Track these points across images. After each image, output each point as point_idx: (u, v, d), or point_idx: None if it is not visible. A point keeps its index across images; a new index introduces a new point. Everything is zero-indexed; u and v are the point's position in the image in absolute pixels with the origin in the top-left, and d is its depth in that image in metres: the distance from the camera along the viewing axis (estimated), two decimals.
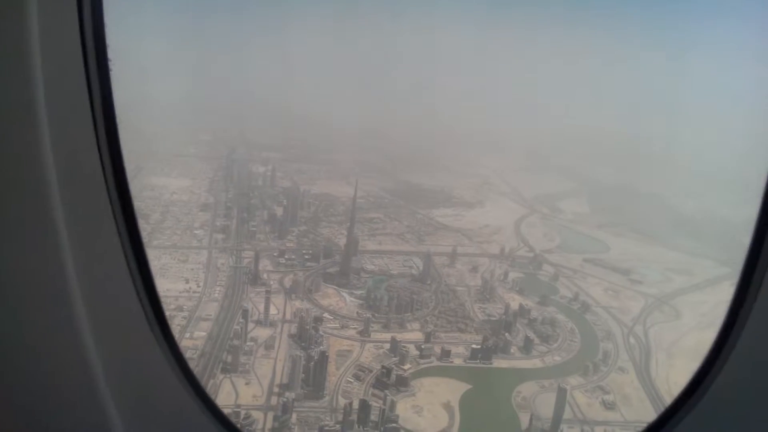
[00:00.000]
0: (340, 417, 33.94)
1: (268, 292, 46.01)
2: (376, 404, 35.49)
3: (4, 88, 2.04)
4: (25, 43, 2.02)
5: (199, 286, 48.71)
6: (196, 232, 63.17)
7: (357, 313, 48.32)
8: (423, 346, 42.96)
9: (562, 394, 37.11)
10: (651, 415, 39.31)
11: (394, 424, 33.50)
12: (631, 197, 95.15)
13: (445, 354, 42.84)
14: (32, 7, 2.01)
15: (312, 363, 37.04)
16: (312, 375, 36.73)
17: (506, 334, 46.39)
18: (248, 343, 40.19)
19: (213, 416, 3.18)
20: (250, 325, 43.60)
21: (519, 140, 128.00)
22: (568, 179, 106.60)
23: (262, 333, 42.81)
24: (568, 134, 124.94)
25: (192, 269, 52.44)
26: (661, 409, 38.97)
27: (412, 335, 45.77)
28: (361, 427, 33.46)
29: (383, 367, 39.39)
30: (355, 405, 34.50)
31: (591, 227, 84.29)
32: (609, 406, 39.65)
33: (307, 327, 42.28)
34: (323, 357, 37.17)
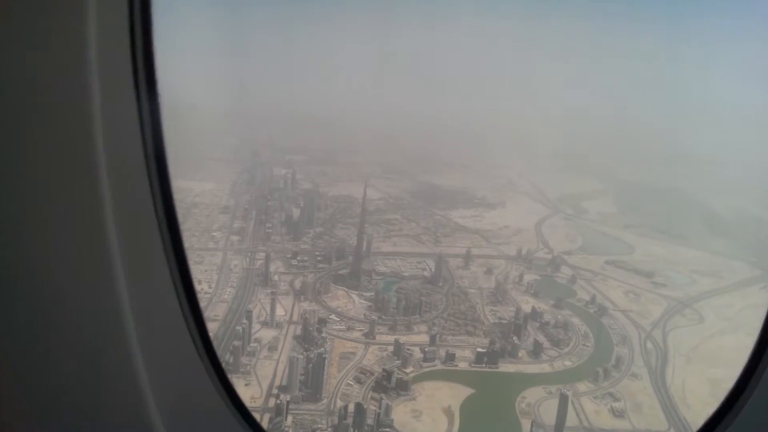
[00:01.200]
0: (336, 420, 33.88)
1: (274, 293, 46.39)
2: (373, 408, 35.32)
3: (59, 88, 2.11)
4: (81, 44, 2.08)
5: (210, 287, 49.58)
6: (213, 234, 64.41)
7: (364, 315, 48.31)
8: (427, 349, 42.54)
9: (563, 400, 36.14)
10: (662, 424, 37.99)
11: (387, 429, 33.25)
12: (660, 197, 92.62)
13: (450, 357, 42.34)
14: (91, 11, 2.07)
15: (311, 365, 37.14)
16: (311, 377, 36.86)
17: (515, 337, 45.51)
18: (252, 345, 40.66)
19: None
20: (256, 327, 44.13)
21: (546, 141, 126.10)
22: (595, 179, 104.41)
23: (267, 334, 43.25)
24: (597, 134, 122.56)
25: (206, 270, 53.43)
26: (673, 416, 37.61)
27: (418, 338, 45.46)
28: (355, 431, 33.35)
29: (384, 370, 39.20)
30: (351, 408, 34.43)
31: (616, 228, 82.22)
32: (618, 413, 38.42)
33: (311, 329, 42.43)
34: (321, 359, 37.22)
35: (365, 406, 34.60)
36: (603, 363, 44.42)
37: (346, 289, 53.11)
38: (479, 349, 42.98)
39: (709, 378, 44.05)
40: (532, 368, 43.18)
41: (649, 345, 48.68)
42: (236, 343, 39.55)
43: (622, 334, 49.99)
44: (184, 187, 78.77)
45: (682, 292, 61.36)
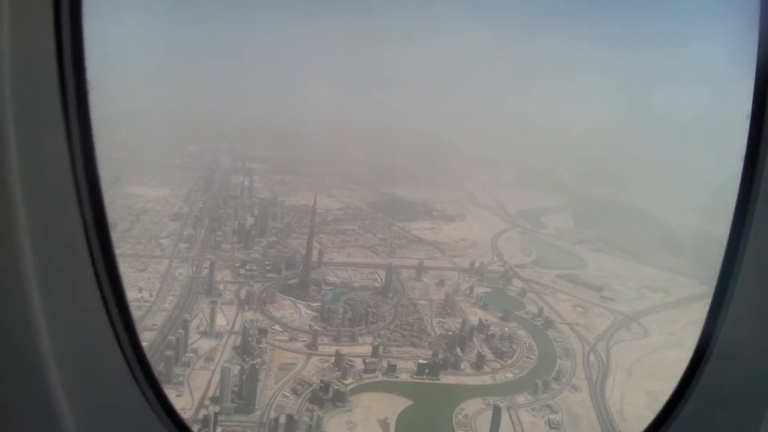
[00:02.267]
0: None
1: (213, 303, 45.28)
2: (307, 419, 34.55)
3: None
4: None
5: (151, 296, 48.15)
6: (161, 241, 62.78)
7: (309, 325, 47.56)
8: (368, 361, 42.03)
9: (496, 412, 36.03)
10: None
11: None
12: (619, 214, 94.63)
13: (391, 369, 41.88)
14: (4, 9, 1.97)
15: (245, 376, 36.19)
16: (244, 388, 35.90)
17: (458, 349, 45.38)
18: (188, 354, 39.45)
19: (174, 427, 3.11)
20: (195, 336, 42.93)
21: (512, 156, 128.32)
22: (557, 195, 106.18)
23: (206, 344, 42.09)
24: (562, 151, 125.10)
25: (148, 278, 51.93)
26: (609, 429, 37.87)
27: (362, 349, 44.91)
28: None
29: (321, 381, 38.48)
30: (282, 420, 33.60)
31: (572, 243, 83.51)
32: (554, 425, 38.49)
33: (250, 339, 41.48)
34: (255, 370, 36.32)
35: (296, 418, 33.80)
36: (544, 375, 44.59)
37: (293, 299, 52.30)
38: (421, 361, 42.63)
39: (648, 391, 44.59)
40: (474, 380, 43.05)
41: (592, 358, 49.16)
42: (170, 353, 38.28)
43: (567, 347, 50.39)
44: (135, 192, 77.01)
45: (630, 306, 62.41)
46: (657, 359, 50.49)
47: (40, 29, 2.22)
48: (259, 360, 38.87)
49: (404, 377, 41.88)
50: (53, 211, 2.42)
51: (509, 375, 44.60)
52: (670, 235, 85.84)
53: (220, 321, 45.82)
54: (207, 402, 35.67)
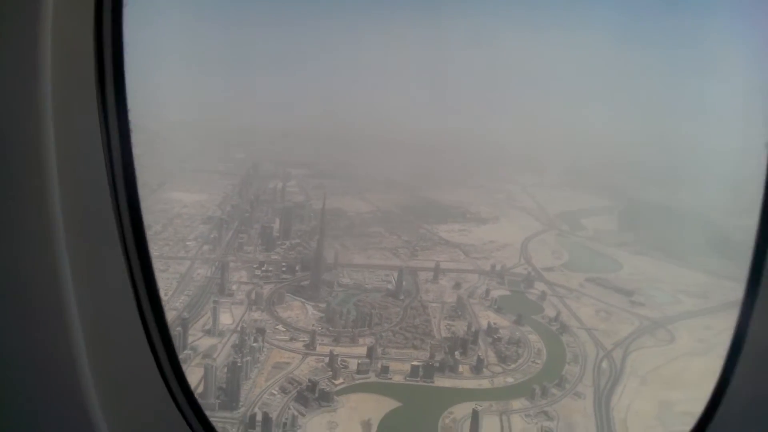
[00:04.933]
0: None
1: (216, 302, 46.95)
2: (290, 417, 35.17)
3: (12, 90, 2.04)
4: (36, 47, 2.00)
5: (165, 295, 50.45)
6: (188, 243, 65.70)
7: (312, 326, 48.30)
8: (361, 362, 42.16)
9: (475, 416, 35.10)
10: None
11: None
12: (669, 216, 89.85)
13: (384, 370, 41.79)
14: (47, 10, 2.00)
15: (232, 374, 37.34)
16: (232, 385, 37.04)
17: (457, 352, 44.60)
18: (186, 351, 41.13)
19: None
20: (199, 335, 44.68)
21: (560, 157, 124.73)
22: (604, 197, 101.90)
23: (207, 342, 43.71)
24: (614, 151, 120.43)
25: (167, 278, 54.46)
26: None
27: (361, 350, 45.05)
28: None
29: (309, 380, 39.01)
30: (259, 418, 34.41)
31: (610, 245, 79.90)
32: None
33: (246, 339, 42.73)
34: (236, 368, 37.36)
35: (271, 416, 34.48)
36: (547, 381, 43.00)
37: (302, 300, 53.28)
38: (414, 363, 42.25)
39: (661, 401, 42.12)
40: (470, 383, 42.17)
41: (604, 365, 46.88)
42: None
43: (579, 352, 48.32)
44: (174, 198, 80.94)
45: (660, 312, 59.02)
46: (679, 367, 47.51)
47: (82, 32, 2.23)
48: (249, 358, 39.87)
49: (397, 379, 41.66)
50: (91, 214, 2.43)
51: (509, 379, 43.34)
52: (722, 238, 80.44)
53: (227, 320, 47.41)
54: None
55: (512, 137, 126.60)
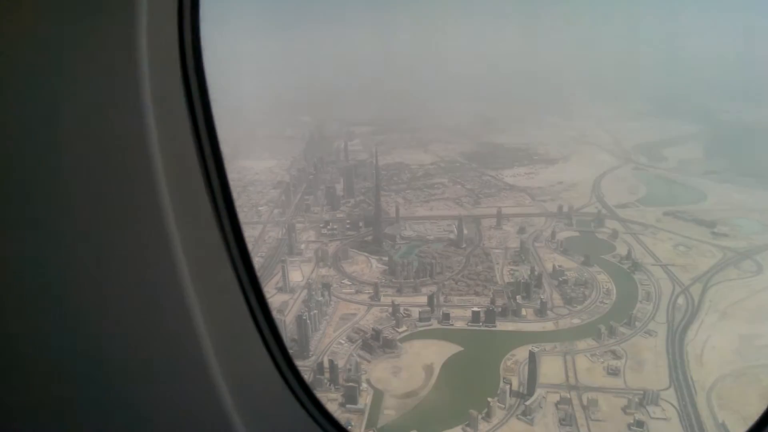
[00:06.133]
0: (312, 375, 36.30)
1: (283, 261, 49.52)
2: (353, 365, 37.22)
3: (111, 86, 2.12)
4: (132, 41, 2.09)
5: None
6: (260, 209, 69.08)
7: (377, 278, 49.89)
8: (422, 310, 43.27)
9: (533, 358, 35.12)
10: (660, 383, 35.62)
11: (352, 383, 34.95)
12: (762, 137, 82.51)
13: (446, 317, 42.67)
14: (142, 12, 2.11)
15: (303, 326, 39.75)
16: (302, 336, 39.53)
17: (519, 297, 44.48)
18: None
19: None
20: (272, 292, 47.61)
21: (641, 84, 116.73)
22: (690, 123, 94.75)
23: (279, 299, 46.55)
24: (704, 74, 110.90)
25: None
26: (677, 375, 35.10)
27: (423, 299, 46.08)
28: (332, 385, 35.60)
29: (373, 329, 40.72)
30: (326, 364, 36.67)
31: (694, 175, 74.94)
32: (612, 371, 36.51)
33: (314, 294, 45.05)
34: (302, 321, 39.62)
35: (336, 363, 36.59)
36: (616, 320, 42.05)
37: (367, 255, 54.91)
38: (475, 309, 42.71)
39: (741, 334, 40.04)
40: (534, 327, 42.10)
41: (680, 301, 44.92)
42: None
43: (652, 290, 46.53)
44: (246, 166, 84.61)
45: (747, 242, 55.06)
46: (764, 300, 44.58)
47: (167, 27, 2.33)
48: (316, 311, 42.12)
49: (459, 325, 42.44)
50: (192, 209, 2.45)
51: (575, 321, 42.78)
52: None
53: (297, 277, 50.05)
54: None
55: (588, 65, 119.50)
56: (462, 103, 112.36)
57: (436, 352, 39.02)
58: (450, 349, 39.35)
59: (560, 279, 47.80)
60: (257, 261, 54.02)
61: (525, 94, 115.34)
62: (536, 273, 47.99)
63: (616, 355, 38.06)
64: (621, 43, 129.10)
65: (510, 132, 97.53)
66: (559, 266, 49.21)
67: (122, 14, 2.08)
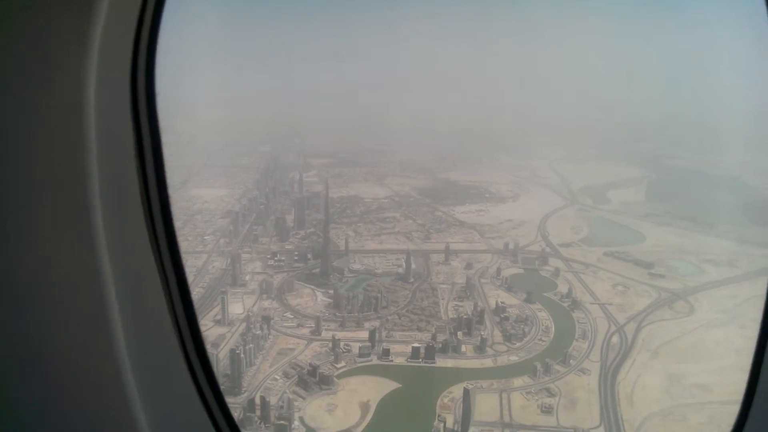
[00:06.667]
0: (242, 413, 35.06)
1: (223, 293, 48.35)
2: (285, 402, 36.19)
3: (53, 87, 2.04)
4: (84, 40, 2.02)
5: None
6: (206, 237, 67.63)
7: (321, 312, 49.20)
8: (363, 345, 42.78)
9: (467, 395, 35.12)
10: (592, 421, 36.04)
11: (283, 422, 33.97)
12: (704, 183, 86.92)
13: (386, 353, 42.29)
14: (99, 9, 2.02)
15: (237, 360, 38.59)
16: (236, 371, 38.32)
17: (461, 332, 44.62)
18: None
19: None
20: (209, 324, 46.21)
21: (592, 129, 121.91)
22: (635, 167, 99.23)
23: (217, 332, 45.18)
24: (650, 121, 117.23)
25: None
26: (608, 414, 35.59)
27: (365, 334, 45.61)
28: (262, 423, 34.43)
29: (310, 365, 39.91)
30: (258, 401, 35.55)
31: (635, 217, 77.94)
32: (546, 409, 36.75)
33: (252, 327, 43.98)
34: (235, 356, 38.54)
35: (267, 399, 35.54)
36: (553, 358, 42.58)
37: (313, 287, 54.24)
38: (415, 345, 42.55)
39: (670, 373, 41.13)
40: (473, 363, 42.16)
41: (614, 339, 45.96)
42: None
43: (589, 328, 47.51)
44: (197, 194, 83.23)
45: (682, 283, 57.24)
46: (695, 339, 46.16)
47: (124, 35, 2.27)
48: (252, 345, 41.04)
49: (399, 361, 42.08)
50: (125, 219, 2.42)
51: (513, 358, 43.09)
52: (760, 203, 77.25)
53: (237, 310, 48.80)
54: None
55: (545, 111, 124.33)
56: (421, 139, 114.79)
57: (373, 389, 38.45)
58: (388, 385, 38.87)
59: (502, 315, 48.31)
60: (197, 291, 52.53)
61: (483, 134, 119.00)
62: (479, 309, 48.31)
63: (550, 393, 38.40)
64: (579, 88, 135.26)
65: (465, 170, 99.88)
66: (502, 303, 49.75)
67: (78, 13, 2.01)
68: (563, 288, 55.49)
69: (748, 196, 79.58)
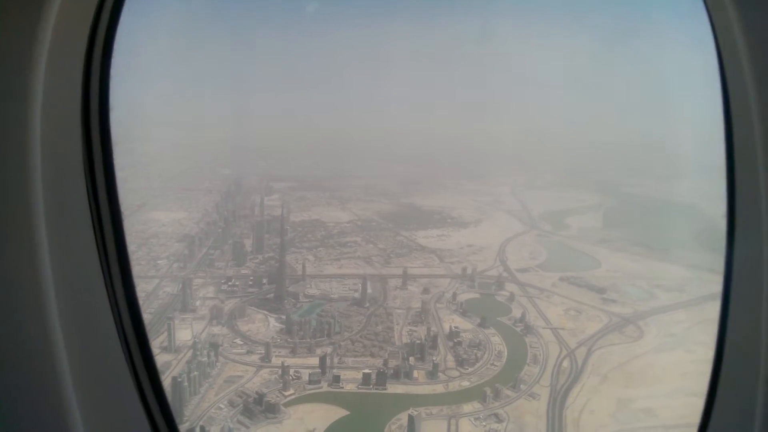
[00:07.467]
0: None
1: (170, 319, 47.05)
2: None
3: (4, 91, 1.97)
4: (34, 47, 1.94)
5: None
6: (159, 262, 65.93)
7: (272, 338, 48.25)
8: (312, 372, 42.00)
9: (411, 422, 34.75)
10: None
11: None
12: (659, 210, 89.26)
13: (336, 379, 41.58)
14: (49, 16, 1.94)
15: (180, 389, 37.36)
16: (179, 400, 37.03)
17: (412, 358, 44.29)
18: None
19: None
20: (156, 351, 44.68)
21: (554, 155, 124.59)
22: (594, 194, 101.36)
23: (163, 359, 43.71)
24: (609, 147, 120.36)
25: None
26: None
27: (316, 360, 44.82)
28: None
29: (257, 393, 38.91)
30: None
31: (591, 243, 79.34)
32: None
33: (198, 354, 42.77)
34: (177, 384, 37.36)
35: (208, 430, 34.43)
36: (504, 383, 42.56)
37: (265, 313, 53.26)
38: (366, 371, 41.98)
39: (619, 398, 41.53)
40: (424, 389, 41.78)
41: (565, 364, 46.31)
42: None
43: (540, 353, 47.79)
44: (153, 218, 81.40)
45: (632, 308, 58.36)
46: (642, 364, 46.91)
47: (76, 44, 2.20)
48: (197, 373, 39.84)
49: (349, 387, 41.41)
50: (73, 234, 2.41)
51: (465, 383, 42.90)
52: (715, 230, 79.59)
53: (186, 336, 47.42)
54: None
55: (508, 139, 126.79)
56: (386, 164, 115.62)
57: (321, 417, 37.63)
58: (336, 413, 38.12)
59: (455, 340, 48.23)
60: (145, 317, 50.87)
61: (449, 159, 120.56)
62: (433, 334, 48.14)
63: (498, 419, 38.24)
64: (543, 114, 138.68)
65: (429, 195, 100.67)
66: (456, 327, 49.75)
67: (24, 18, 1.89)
68: (517, 313, 55.87)
69: (701, 222, 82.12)
